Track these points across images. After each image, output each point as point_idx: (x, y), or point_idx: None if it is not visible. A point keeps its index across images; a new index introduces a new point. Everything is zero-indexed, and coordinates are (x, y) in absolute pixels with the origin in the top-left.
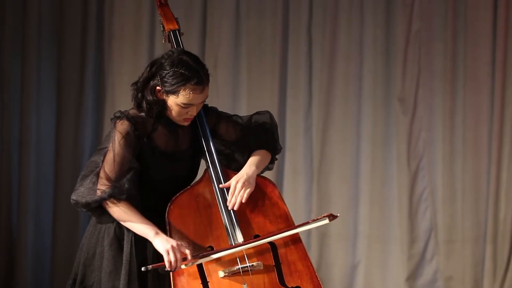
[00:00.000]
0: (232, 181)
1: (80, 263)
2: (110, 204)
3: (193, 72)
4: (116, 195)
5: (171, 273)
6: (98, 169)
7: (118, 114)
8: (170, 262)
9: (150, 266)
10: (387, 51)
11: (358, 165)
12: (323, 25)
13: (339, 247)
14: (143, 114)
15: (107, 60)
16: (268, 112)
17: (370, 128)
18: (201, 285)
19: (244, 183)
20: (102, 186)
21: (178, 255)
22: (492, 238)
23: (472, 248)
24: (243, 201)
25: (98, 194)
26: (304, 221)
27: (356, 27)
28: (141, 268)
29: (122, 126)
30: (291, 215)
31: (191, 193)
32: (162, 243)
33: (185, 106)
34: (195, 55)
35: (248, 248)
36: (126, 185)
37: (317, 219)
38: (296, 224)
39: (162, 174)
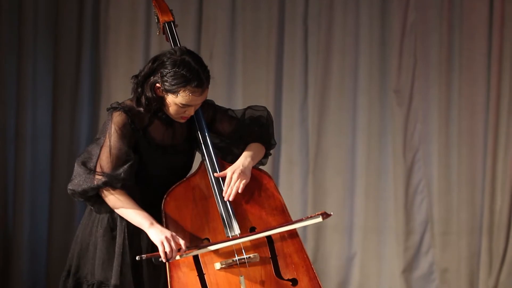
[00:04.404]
0: (228, 172)
1: (74, 255)
2: (106, 193)
3: (194, 74)
4: (111, 183)
5: (167, 264)
6: (94, 159)
7: (115, 105)
8: (165, 253)
9: (144, 256)
10: (383, 42)
11: (353, 157)
12: (319, 17)
13: (335, 239)
14: (141, 109)
15: (103, 52)
16: (264, 107)
17: (366, 120)
18: (197, 277)
19: (240, 174)
20: (99, 176)
21: (173, 246)
22: (488, 230)
23: (468, 240)
24: (239, 191)
25: (94, 183)
26: (299, 217)
27: (352, 19)
28: (135, 259)
29: (119, 117)
30: (287, 206)
31: (187, 185)
32: (156, 234)
33: (183, 106)
34: (198, 55)
35: (245, 241)
36: (122, 175)
37: (311, 216)
38: (291, 218)
39: (158, 167)
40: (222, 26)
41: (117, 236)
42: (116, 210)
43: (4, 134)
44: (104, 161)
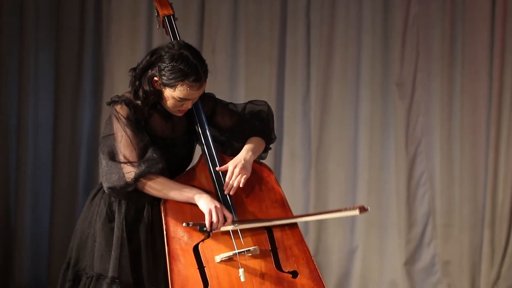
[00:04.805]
0: (230, 166)
1: (74, 247)
2: (144, 181)
3: (192, 68)
4: (150, 168)
5: (167, 257)
6: (120, 153)
7: (115, 99)
8: (211, 223)
9: (191, 223)
10: (385, 35)
11: (356, 150)
12: (321, 9)
13: (337, 232)
14: (139, 102)
15: (105, 44)
16: (265, 102)
17: (368, 113)
18: (198, 270)
19: (241, 168)
20: (133, 167)
21: (220, 217)
22: (490, 223)
23: (470, 232)
24: (241, 186)
25: (135, 173)
26: (300, 210)
27: (354, 11)
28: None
29: (123, 109)
30: (289, 200)
31: (187, 178)
32: (206, 203)
33: (181, 100)
34: (196, 49)
35: (245, 233)
36: (155, 155)
37: (348, 208)
38: (291, 211)
39: None
40: (224, 20)
41: (115, 229)
42: (161, 197)
43: (6, 129)
44: (129, 153)
